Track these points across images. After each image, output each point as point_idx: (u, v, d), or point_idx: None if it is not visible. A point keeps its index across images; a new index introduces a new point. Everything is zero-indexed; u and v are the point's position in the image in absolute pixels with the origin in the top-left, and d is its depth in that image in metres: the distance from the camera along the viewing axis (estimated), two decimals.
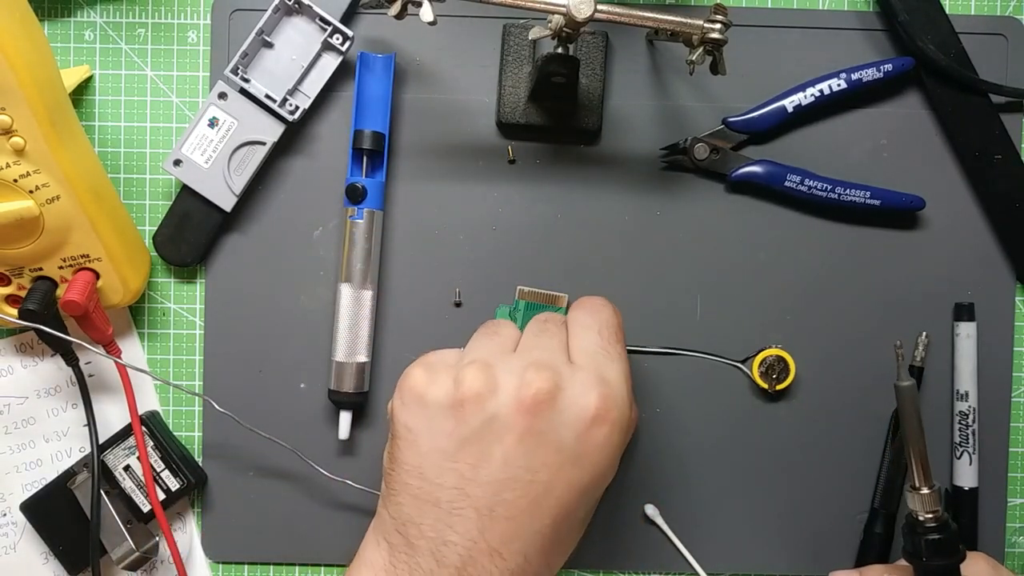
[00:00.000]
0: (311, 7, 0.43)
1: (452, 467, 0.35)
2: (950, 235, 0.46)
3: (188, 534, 0.46)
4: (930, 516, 0.37)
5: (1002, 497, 0.46)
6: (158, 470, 0.44)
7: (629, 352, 0.45)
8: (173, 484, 0.44)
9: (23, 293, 0.42)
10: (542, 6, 0.36)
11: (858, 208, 0.45)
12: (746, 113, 0.45)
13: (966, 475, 0.45)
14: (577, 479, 0.35)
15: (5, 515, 0.46)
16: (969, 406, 0.45)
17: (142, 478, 0.44)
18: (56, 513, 0.44)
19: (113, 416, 0.46)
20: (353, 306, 0.44)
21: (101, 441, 0.44)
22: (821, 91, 0.44)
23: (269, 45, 0.44)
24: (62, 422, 0.46)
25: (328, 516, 0.46)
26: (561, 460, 0.35)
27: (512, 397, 0.35)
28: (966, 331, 0.45)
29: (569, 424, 0.35)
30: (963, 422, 0.45)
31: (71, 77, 0.44)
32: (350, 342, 0.44)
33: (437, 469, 0.35)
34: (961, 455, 0.45)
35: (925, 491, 0.37)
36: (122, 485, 0.44)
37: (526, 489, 0.35)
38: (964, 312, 0.45)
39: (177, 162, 0.43)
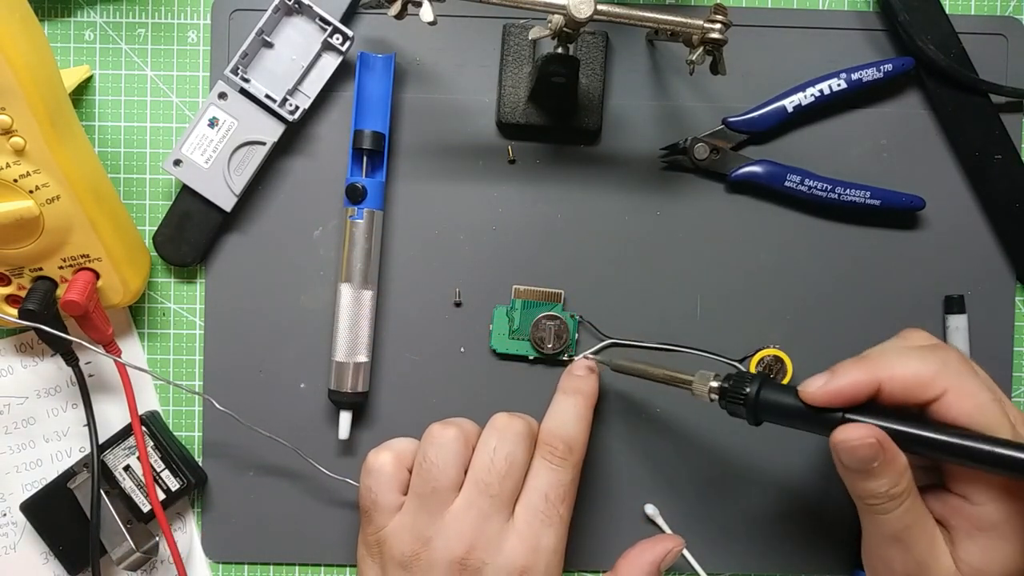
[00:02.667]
0: (311, 7, 0.43)
1: None
2: (950, 235, 0.46)
3: (188, 534, 0.46)
4: (724, 379, 0.38)
5: None
6: (158, 470, 0.44)
7: (627, 347, 0.46)
8: (173, 484, 0.44)
9: (23, 293, 0.42)
10: (542, 6, 0.36)
11: (858, 208, 0.45)
12: (746, 113, 0.45)
13: None
14: None
15: (5, 515, 0.46)
16: None
17: (142, 478, 0.44)
18: (56, 513, 0.44)
19: (113, 416, 0.46)
20: (353, 306, 0.44)
21: (101, 441, 0.44)
22: (821, 91, 0.44)
23: (269, 45, 0.44)
24: (62, 422, 0.46)
25: (328, 516, 0.46)
26: None
27: (444, 565, 0.37)
28: (955, 324, 0.45)
29: None
30: None
31: (71, 77, 0.44)
32: (350, 342, 0.44)
33: None
34: None
35: (697, 376, 0.39)
36: (122, 485, 0.44)
37: None
38: (954, 305, 0.45)
39: (177, 162, 0.43)
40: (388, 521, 0.39)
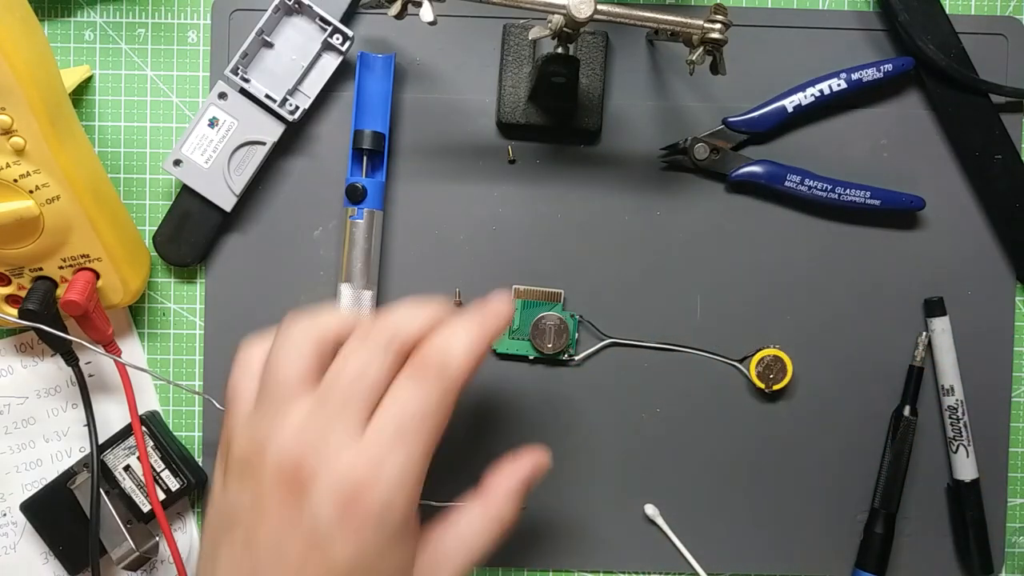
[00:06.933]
0: (311, 7, 0.43)
1: (228, 541, 0.34)
2: (950, 235, 0.46)
3: (188, 534, 0.46)
4: None
5: (1002, 496, 0.46)
6: (158, 470, 0.44)
7: (625, 347, 0.46)
8: (173, 484, 0.44)
9: (23, 293, 0.42)
10: (542, 6, 0.36)
11: (858, 208, 0.45)
12: (746, 113, 0.45)
13: (965, 468, 0.45)
14: (331, 566, 0.32)
15: (5, 515, 0.46)
16: (956, 399, 0.45)
17: (142, 478, 0.44)
18: (56, 513, 0.44)
19: (113, 416, 0.46)
20: (353, 306, 0.44)
21: (101, 441, 0.44)
22: (821, 91, 0.44)
23: (269, 45, 0.44)
24: (62, 422, 0.46)
25: None
26: (313, 546, 0.32)
27: (274, 473, 0.33)
28: (940, 326, 0.45)
29: (324, 508, 0.32)
30: (953, 416, 0.45)
31: (71, 77, 0.44)
32: None
33: (219, 536, 0.35)
34: (957, 449, 0.45)
35: None
36: (122, 485, 0.44)
37: (282, 573, 0.32)
38: (935, 308, 0.45)
39: (177, 162, 0.43)
40: (239, 419, 0.35)
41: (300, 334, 0.35)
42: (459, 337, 0.35)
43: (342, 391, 0.34)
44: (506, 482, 0.37)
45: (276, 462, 0.33)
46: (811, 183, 0.44)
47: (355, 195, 0.43)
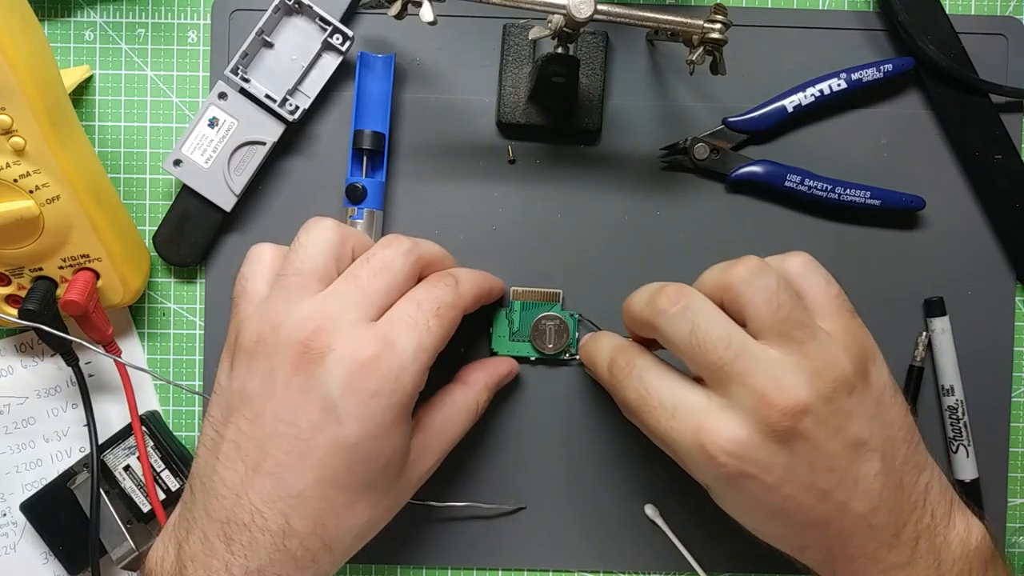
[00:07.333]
0: (311, 7, 0.43)
1: (234, 421, 0.35)
2: (950, 235, 0.46)
3: None
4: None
5: (1002, 496, 0.46)
6: (158, 470, 0.44)
7: None
8: (173, 484, 0.44)
9: (23, 293, 0.42)
10: (542, 6, 0.36)
11: (858, 208, 0.45)
12: (746, 113, 0.45)
13: (965, 468, 0.45)
14: (340, 437, 0.34)
15: (5, 515, 0.46)
16: (956, 399, 0.45)
17: (142, 478, 0.44)
18: (56, 513, 0.44)
19: (113, 416, 0.46)
20: None
21: (101, 441, 0.44)
22: (821, 91, 0.44)
23: (269, 45, 0.44)
24: (62, 422, 0.46)
25: None
26: (324, 416, 0.34)
27: (288, 347, 0.34)
28: (940, 326, 0.45)
29: (336, 379, 0.34)
30: (953, 416, 0.45)
31: (71, 77, 0.44)
32: None
33: (224, 422, 0.36)
34: (957, 449, 0.45)
35: None
36: (122, 485, 0.44)
37: (291, 444, 0.34)
38: (936, 308, 0.45)
39: (177, 162, 0.43)
40: (251, 307, 0.37)
41: (327, 230, 0.37)
42: (466, 273, 0.40)
43: (363, 279, 0.36)
44: (484, 376, 0.42)
45: (290, 337, 0.34)
46: (811, 183, 0.44)
47: (355, 195, 0.43)
